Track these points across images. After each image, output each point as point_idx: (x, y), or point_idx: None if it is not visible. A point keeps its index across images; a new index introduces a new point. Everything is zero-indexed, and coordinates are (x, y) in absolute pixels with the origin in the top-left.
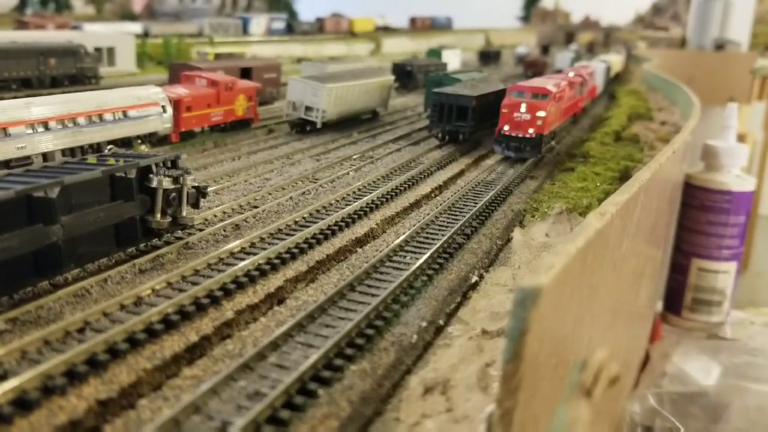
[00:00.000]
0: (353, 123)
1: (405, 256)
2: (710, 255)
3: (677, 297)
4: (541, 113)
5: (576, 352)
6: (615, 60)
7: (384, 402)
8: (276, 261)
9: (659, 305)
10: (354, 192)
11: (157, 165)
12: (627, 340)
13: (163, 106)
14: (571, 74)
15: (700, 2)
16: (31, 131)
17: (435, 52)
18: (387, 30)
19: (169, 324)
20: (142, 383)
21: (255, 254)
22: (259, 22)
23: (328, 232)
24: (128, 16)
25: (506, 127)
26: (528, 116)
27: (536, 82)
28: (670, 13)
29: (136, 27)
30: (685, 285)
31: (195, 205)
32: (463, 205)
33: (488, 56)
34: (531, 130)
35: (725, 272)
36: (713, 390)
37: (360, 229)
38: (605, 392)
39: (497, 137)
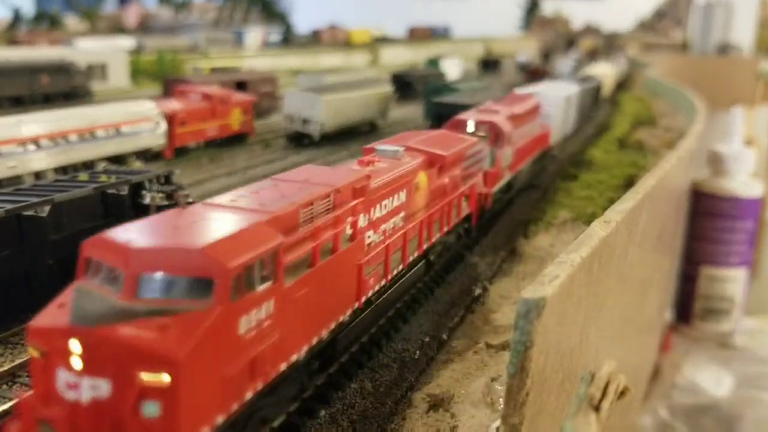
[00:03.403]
0: (352, 135)
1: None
2: (718, 262)
3: (687, 306)
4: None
5: (583, 365)
6: (608, 73)
7: (387, 420)
8: None
9: (669, 315)
10: None
11: (149, 181)
12: (636, 352)
13: (156, 122)
14: (470, 127)
15: (701, 7)
16: (22, 150)
17: (433, 62)
18: (385, 40)
19: None
20: None
21: None
22: (255, 35)
23: None
24: (121, 31)
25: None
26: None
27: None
28: (671, 17)
29: (129, 42)
30: (694, 294)
31: None
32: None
33: (488, 65)
34: None
35: (734, 280)
36: (726, 401)
37: None
38: (614, 406)
39: None
